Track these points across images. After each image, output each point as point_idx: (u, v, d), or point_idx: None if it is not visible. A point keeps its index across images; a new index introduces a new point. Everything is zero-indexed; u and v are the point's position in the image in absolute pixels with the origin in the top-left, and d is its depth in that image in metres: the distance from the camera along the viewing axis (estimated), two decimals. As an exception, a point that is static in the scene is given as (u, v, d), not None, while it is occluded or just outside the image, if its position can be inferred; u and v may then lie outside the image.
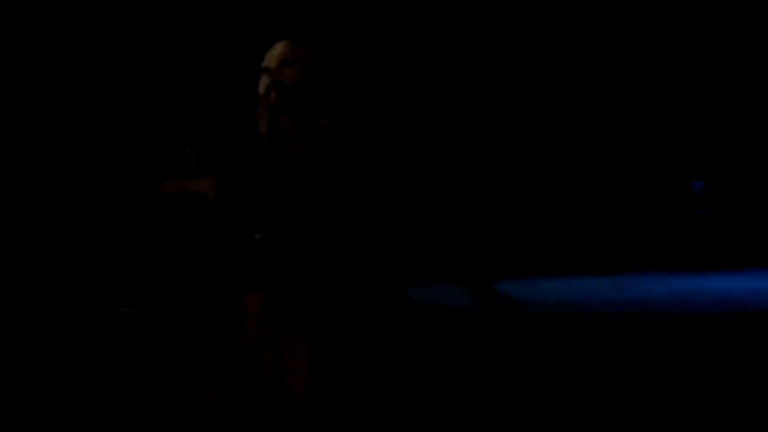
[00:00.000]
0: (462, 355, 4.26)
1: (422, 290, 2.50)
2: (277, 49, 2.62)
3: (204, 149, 8.40)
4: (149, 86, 9.32)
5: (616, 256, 8.93)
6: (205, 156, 8.26)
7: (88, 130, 9.10)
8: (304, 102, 2.54)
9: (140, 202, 8.57)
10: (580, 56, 9.68)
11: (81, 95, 9.07)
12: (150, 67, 9.31)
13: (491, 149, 9.81)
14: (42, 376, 4.64)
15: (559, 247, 9.29)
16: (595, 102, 9.72)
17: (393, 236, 2.41)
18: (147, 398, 4.14)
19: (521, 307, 2.42)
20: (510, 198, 9.68)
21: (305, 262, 2.42)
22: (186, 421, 2.40)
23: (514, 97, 9.80)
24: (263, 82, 2.60)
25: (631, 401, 3.83)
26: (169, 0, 9.30)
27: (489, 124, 9.81)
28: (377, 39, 9.55)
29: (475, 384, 3.99)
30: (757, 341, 4.42)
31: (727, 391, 3.83)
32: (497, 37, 9.75)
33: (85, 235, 8.90)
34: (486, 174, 9.72)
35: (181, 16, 9.34)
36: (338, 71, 2.64)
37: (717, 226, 8.93)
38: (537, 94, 9.78)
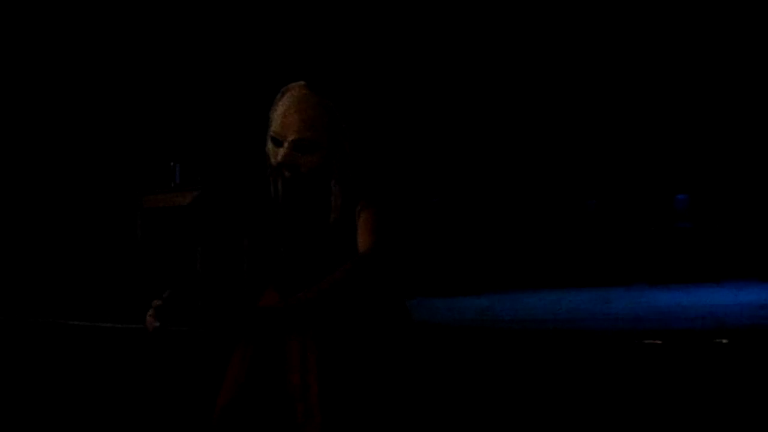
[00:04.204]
0: (447, 372, 4.26)
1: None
2: (293, 120, 2.37)
3: (189, 163, 8.39)
4: (134, 98, 9.30)
5: (599, 269, 8.96)
6: (191, 170, 8.27)
7: (70, 143, 9.07)
8: (321, 179, 2.40)
9: (125, 217, 8.54)
10: (562, 70, 9.72)
11: (64, 107, 9.04)
12: (134, 80, 9.29)
13: (473, 163, 9.83)
14: (46, 393, 4.62)
15: (541, 260, 9.31)
16: (577, 115, 9.75)
17: (398, 249, 2.37)
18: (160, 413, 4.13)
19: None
20: (491, 211, 9.70)
21: (312, 273, 2.38)
22: None
23: (496, 113, 9.83)
24: (275, 152, 2.39)
25: (616, 417, 3.84)
26: (156, 12, 9.29)
27: (471, 137, 9.83)
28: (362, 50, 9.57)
29: (458, 401, 4.00)
30: (741, 355, 4.44)
31: (710, 406, 3.85)
32: (477, 53, 9.78)
33: (66, 249, 8.86)
34: (467, 187, 9.74)
35: (167, 28, 9.34)
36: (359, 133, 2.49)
37: (700, 239, 8.96)
38: (519, 110, 9.81)
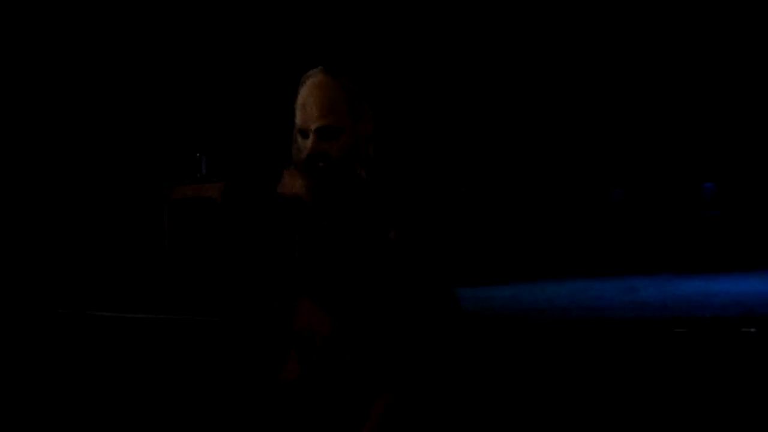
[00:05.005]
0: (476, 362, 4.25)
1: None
2: (315, 107, 2.32)
3: (215, 154, 8.42)
4: (159, 89, 9.33)
5: (626, 259, 8.92)
6: (217, 161, 8.29)
7: (96, 134, 9.12)
8: (350, 167, 2.34)
9: (151, 208, 8.58)
10: (587, 58, 9.68)
11: (90, 98, 9.09)
12: (160, 70, 9.33)
13: (499, 152, 9.81)
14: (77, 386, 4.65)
15: (568, 249, 9.29)
16: (604, 104, 9.71)
17: (443, 238, 2.33)
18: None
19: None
20: (518, 200, 9.67)
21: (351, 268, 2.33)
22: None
23: (522, 100, 9.80)
24: (304, 145, 2.33)
25: (643, 407, 3.83)
26: (182, 3, 9.31)
27: (496, 126, 9.81)
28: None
29: (479, 392, 4.00)
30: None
31: (738, 395, 3.83)
32: (500, 40, 9.75)
33: (93, 240, 8.92)
34: (494, 177, 9.72)
35: (193, 19, 9.36)
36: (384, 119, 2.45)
37: (728, 228, 8.91)
38: (544, 97, 9.77)
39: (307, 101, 2.33)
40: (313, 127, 2.32)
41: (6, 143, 8.70)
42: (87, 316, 6.10)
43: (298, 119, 2.34)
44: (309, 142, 2.32)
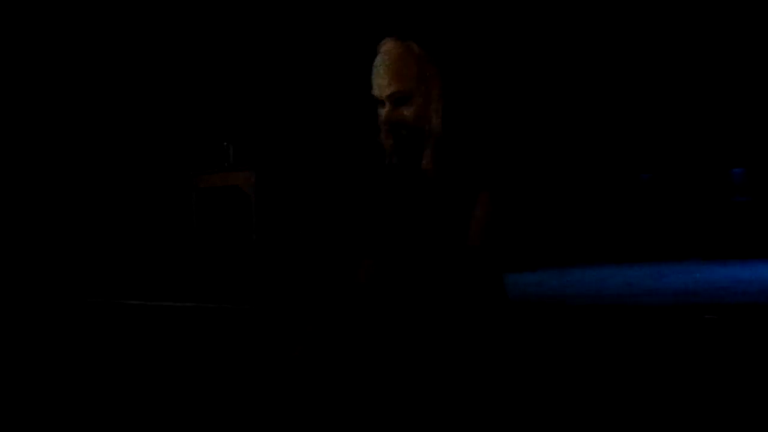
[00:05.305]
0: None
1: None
2: (383, 73, 2.37)
3: (242, 143, 8.46)
4: (186, 80, 9.38)
5: (654, 244, 8.89)
6: (244, 150, 8.33)
7: (125, 124, 9.18)
8: (423, 137, 2.37)
9: (180, 196, 8.63)
10: (616, 43, 9.63)
11: (118, 91, 9.15)
12: (187, 61, 9.37)
13: (527, 136, 9.78)
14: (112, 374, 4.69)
15: (595, 234, 9.26)
16: (632, 87, 9.66)
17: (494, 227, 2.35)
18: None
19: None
20: (547, 185, 9.65)
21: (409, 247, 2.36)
22: None
23: (551, 85, 9.77)
24: (380, 112, 2.37)
25: (670, 393, 3.82)
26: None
27: (524, 110, 9.78)
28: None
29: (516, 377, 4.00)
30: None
31: None
32: (532, 34, 9.72)
33: (122, 229, 8.98)
34: (522, 162, 9.70)
35: (221, 10, 9.39)
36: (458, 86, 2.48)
37: (757, 214, 8.85)
38: (573, 81, 9.73)
39: (377, 71, 2.40)
40: (384, 95, 2.36)
41: (39, 134, 8.77)
42: (117, 304, 6.15)
43: (373, 88, 2.40)
44: (384, 111, 2.35)
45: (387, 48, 2.37)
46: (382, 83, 2.37)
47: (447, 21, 9.05)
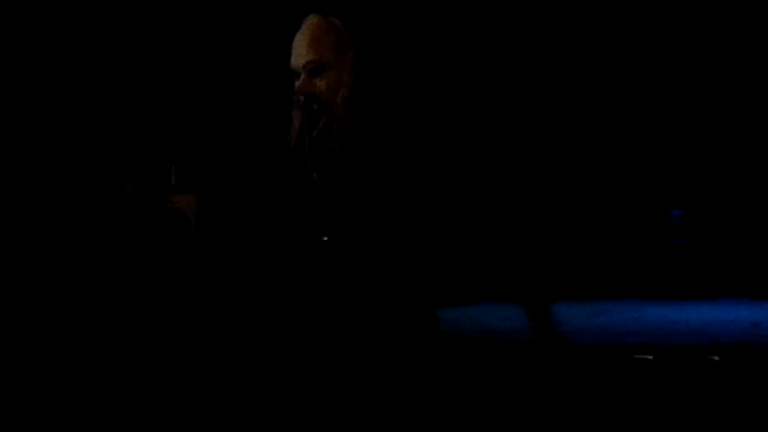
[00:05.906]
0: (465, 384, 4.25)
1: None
2: (301, 44, 2.37)
3: (185, 165, 8.31)
4: (131, 100, 9.28)
5: (591, 283, 8.93)
6: (187, 172, 8.18)
7: (66, 145, 9.06)
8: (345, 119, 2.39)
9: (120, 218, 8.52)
10: (558, 80, 9.69)
11: (62, 103, 9.03)
12: (131, 81, 9.28)
13: (463, 173, 9.79)
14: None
15: (533, 273, 9.28)
16: (572, 127, 9.72)
17: (424, 248, 2.35)
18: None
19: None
20: (483, 222, 9.66)
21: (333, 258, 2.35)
22: None
23: (489, 121, 9.80)
24: (295, 83, 2.38)
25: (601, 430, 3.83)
26: (152, 13, 9.28)
27: (462, 146, 9.79)
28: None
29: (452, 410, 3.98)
30: (734, 373, 4.43)
31: (701, 422, 3.84)
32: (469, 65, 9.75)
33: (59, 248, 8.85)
34: (459, 198, 9.70)
35: (163, 29, 9.32)
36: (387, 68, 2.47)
37: (695, 256, 8.94)
38: (512, 119, 9.77)
39: (296, 42, 2.40)
40: (299, 64, 2.35)
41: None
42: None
43: (291, 60, 2.39)
44: (299, 83, 2.36)
45: (308, 23, 2.39)
46: (300, 52, 2.36)
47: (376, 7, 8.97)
